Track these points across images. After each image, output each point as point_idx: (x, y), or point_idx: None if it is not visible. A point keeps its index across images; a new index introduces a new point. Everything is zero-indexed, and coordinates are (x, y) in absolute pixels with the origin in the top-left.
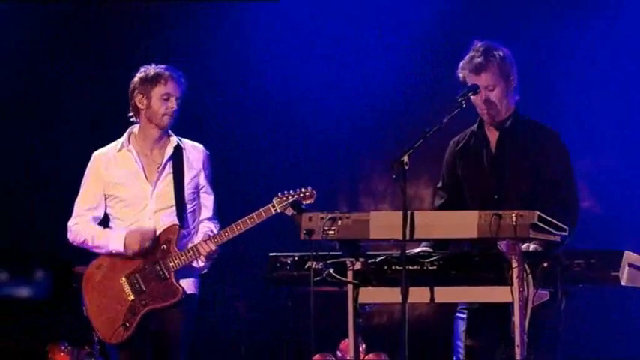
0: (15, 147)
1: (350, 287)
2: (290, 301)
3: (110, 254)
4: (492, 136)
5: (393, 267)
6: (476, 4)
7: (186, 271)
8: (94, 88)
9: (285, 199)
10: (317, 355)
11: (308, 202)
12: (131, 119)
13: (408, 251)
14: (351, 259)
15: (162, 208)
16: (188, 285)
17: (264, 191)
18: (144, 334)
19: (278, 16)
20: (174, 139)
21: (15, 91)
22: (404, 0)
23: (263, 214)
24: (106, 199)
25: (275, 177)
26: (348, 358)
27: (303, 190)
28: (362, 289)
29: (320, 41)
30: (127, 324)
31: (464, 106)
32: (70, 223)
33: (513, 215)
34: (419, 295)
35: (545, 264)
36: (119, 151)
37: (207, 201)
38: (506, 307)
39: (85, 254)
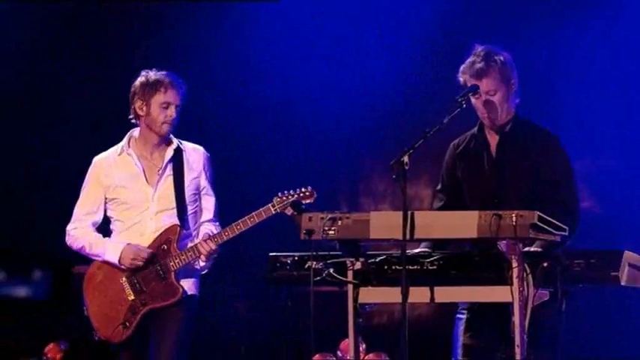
0: (15, 147)
1: (350, 287)
2: (290, 301)
3: None
4: (493, 139)
5: (393, 267)
6: (476, 4)
7: (186, 271)
8: (94, 88)
9: (285, 198)
10: (317, 355)
11: (308, 201)
12: (132, 121)
13: (408, 251)
14: (351, 259)
15: (164, 209)
16: (189, 285)
17: (264, 191)
18: (144, 333)
19: (278, 16)
20: (174, 142)
21: (15, 91)
22: (404, 0)
23: (263, 213)
24: (106, 203)
25: (275, 177)
26: (348, 358)
27: (303, 189)
28: (362, 289)
29: (320, 41)
30: (127, 323)
31: (464, 106)
32: (68, 228)
33: (513, 215)
34: (419, 295)
35: (545, 264)
36: (119, 154)
37: (209, 203)
38: (505, 307)
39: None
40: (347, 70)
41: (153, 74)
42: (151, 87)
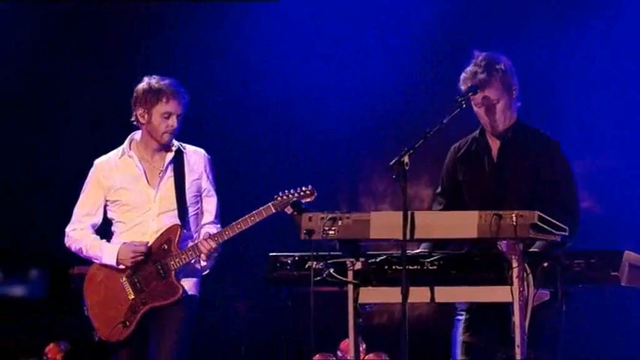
0: (15, 147)
1: (350, 287)
2: (290, 301)
3: None
4: (494, 143)
5: (394, 267)
6: (476, 4)
7: (187, 271)
8: (94, 88)
9: (285, 197)
10: (317, 355)
11: (308, 200)
12: (134, 123)
13: (408, 251)
14: (351, 259)
15: (165, 211)
16: (189, 286)
17: (264, 191)
18: (144, 333)
19: (278, 16)
20: (175, 144)
21: (15, 91)
22: (404, 0)
23: (263, 212)
24: (107, 205)
25: (275, 177)
26: (349, 358)
27: (303, 188)
28: (362, 289)
29: (320, 41)
30: (127, 323)
31: (464, 106)
32: (67, 229)
33: (513, 215)
34: (419, 295)
35: (545, 264)
36: (120, 157)
37: (210, 205)
38: (505, 307)
39: None
40: (347, 70)
41: (155, 82)
42: (153, 96)
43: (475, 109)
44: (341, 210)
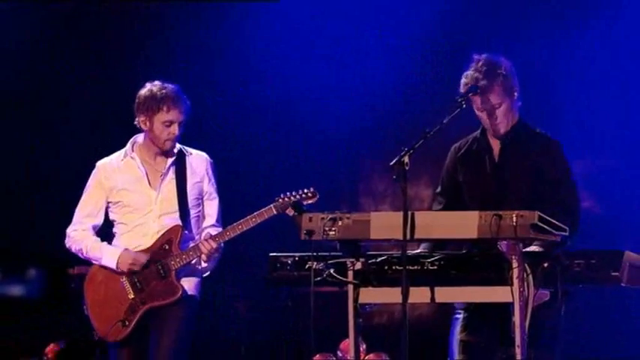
0: (15, 147)
1: (350, 287)
2: (290, 301)
3: None
4: (495, 143)
5: (394, 267)
6: (476, 4)
7: (188, 272)
8: (94, 88)
9: (287, 199)
10: (317, 356)
11: (310, 202)
12: (137, 126)
13: (408, 251)
14: (351, 260)
15: (166, 212)
16: (189, 286)
17: (264, 191)
18: (143, 332)
19: (278, 16)
20: (177, 147)
21: (15, 91)
22: (404, 0)
23: (265, 214)
24: (109, 206)
25: (275, 177)
26: (349, 358)
27: (305, 190)
28: (362, 290)
29: (320, 41)
30: (127, 322)
31: (464, 106)
32: (68, 230)
33: (514, 215)
34: (419, 295)
35: (545, 264)
36: (123, 159)
37: (212, 208)
38: (503, 306)
39: None
40: (347, 70)
41: (156, 89)
42: (154, 104)
43: (477, 112)
44: (341, 210)
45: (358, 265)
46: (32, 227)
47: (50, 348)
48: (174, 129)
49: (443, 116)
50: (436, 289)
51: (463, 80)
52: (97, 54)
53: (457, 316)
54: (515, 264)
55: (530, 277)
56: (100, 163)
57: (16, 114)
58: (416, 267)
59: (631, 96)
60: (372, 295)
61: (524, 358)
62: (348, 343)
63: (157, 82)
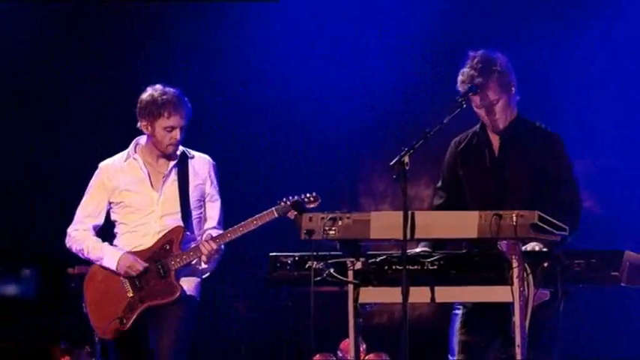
0: (15, 147)
1: (350, 287)
2: (290, 301)
3: None
4: (495, 138)
5: (394, 267)
6: (476, 4)
7: (188, 272)
8: (94, 88)
9: (288, 203)
10: (317, 355)
11: (312, 206)
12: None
13: (408, 251)
14: (351, 259)
15: (168, 213)
16: (189, 286)
17: (264, 191)
18: (143, 332)
19: (278, 16)
20: (180, 149)
21: (15, 91)
22: (404, 0)
23: (266, 216)
24: (111, 207)
25: (275, 177)
26: (349, 358)
27: (307, 194)
28: (362, 289)
29: (320, 41)
30: (124, 320)
31: (464, 106)
32: (69, 229)
33: (514, 215)
34: (419, 295)
35: (545, 264)
36: (125, 160)
37: (213, 210)
38: (503, 306)
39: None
40: (347, 70)
41: (157, 94)
42: (155, 110)
43: (476, 110)
44: (341, 210)
45: (358, 265)
46: (32, 227)
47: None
48: (176, 134)
49: (443, 116)
50: (436, 288)
51: (459, 77)
52: (97, 54)
53: (456, 312)
54: (515, 264)
55: (530, 276)
56: (102, 164)
57: (16, 114)
58: (416, 267)
59: (631, 96)
60: (372, 295)
61: (524, 358)
62: (348, 343)
63: (158, 87)
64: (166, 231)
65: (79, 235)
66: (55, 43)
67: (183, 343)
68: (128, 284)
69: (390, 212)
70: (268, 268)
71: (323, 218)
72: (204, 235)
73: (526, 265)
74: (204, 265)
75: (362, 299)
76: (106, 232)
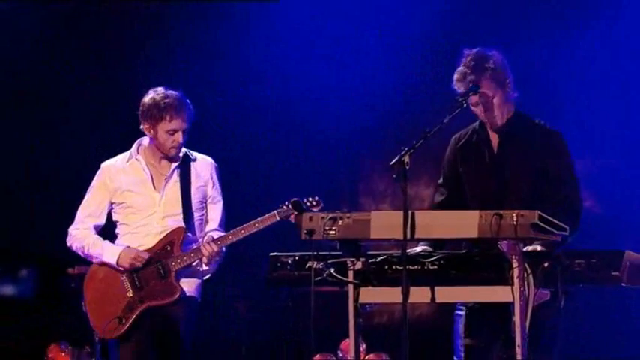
0: (15, 147)
1: (351, 287)
2: (290, 301)
3: None
4: (494, 136)
5: (394, 267)
6: (476, 4)
7: (188, 273)
8: (94, 88)
9: (290, 206)
10: (317, 355)
11: (314, 210)
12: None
13: (408, 251)
14: (351, 259)
15: (170, 214)
16: (189, 287)
17: (264, 191)
18: (143, 331)
19: (278, 16)
20: (182, 150)
21: (15, 91)
22: (404, 0)
23: (267, 220)
24: (113, 207)
25: (275, 177)
26: (349, 358)
27: (310, 199)
28: (362, 289)
29: (320, 41)
30: (124, 319)
31: (464, 105)
32: (70, 229)
33: (514, 215)
34: (420, 294)
35: (545, 264)
36: (128, 161)
37: (215, 213)
38: (504, 306)
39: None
40: (347, 70)
41: (159, 98)
42: (157, 114)
43: (472, 108)
44: (341, 210)
45: (358, 265)
46: (32, 227)
47: (51, 348)
48: (178, 137)
49: (443, 116)
50: (436, 288)
51: (454, 76)
52: (97, 54)
53: (458, 312)
54: (515, 263)
55: (531, 276)
56: (105, 165)
57: (16, 114)
58: (416, 266)
59: (631, 96)
60: (372, 295)
61: (525, 358)
62: (349, 343)
63: (160, 90)
64: (168, 232)
65: (80, 234)
66: (55, 43)
67: (184, 344)
68: (128, 284)
69: (390, 212)
70: (268, 268)
71: (323, 218)
72: (206, 237)
73: (526, 264)
74: (204, 267)
75: (362, 299)
76: (108, 233)
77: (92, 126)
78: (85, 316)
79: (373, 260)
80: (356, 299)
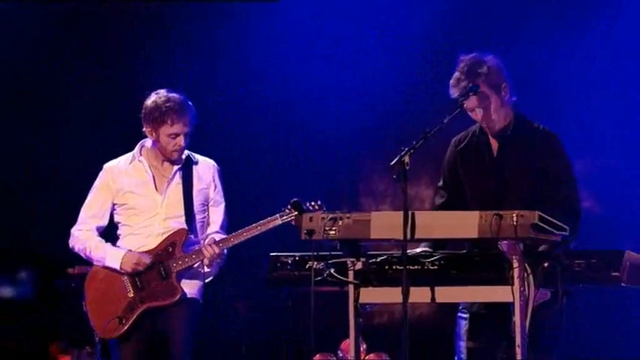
0: (15, 147)
1: (351, 287)
2: (290, 301)
3: None
4: (493, 141)
5: (394, 267)
6: (476, 4)
7: (190, 275)
8: (94, 88)
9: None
10: (317, 355)
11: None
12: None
13: (408, 251)
14: (351, 259)
15: (171, 216)
16: (191, 289)
17: (263, 191)
18: (143, 332)
19: (278, 16)
20: (185, 153)
21: (15, 91)
22: (404, 0)
23: (269, 223)
24: (115, 208)
25: (275, 177)
26: (349, 358)
27: (312, 202)
28: (363, 289)
29: (320, 41)
30: (124, 320)
31: (464, 106)
32: (73, 230)
33: (514, 215)
34: (420, 295)
35: (545, 264)
36: (131, 162)
37: (217, 215)
38: (507, 308)
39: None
40: (347, 70)
41: (161, 101)
42: (158, 117)
43: (469, 113)
44: (341, 210)
45: (359, 265)
46: (32, 227)
47: (52, 348)
48: (180, 140)
49: (443, 116)
50: (436, 288)
51: (451, 82)
52: (97, 54)
53: (462, 315)
54: (515, 264)
55: (531, 276)
56: (107, 165)
57: (16, 114)
58: (416, 267)
59: (631, 96)
60: (372, 295)
61: (525, 358)
62: (349, 343)
63: (162, 93)
64: (170, 233)
65: (82, 235)
66: (55, 43)
67: (187, 345)
68: (129, 284)
69: (390, 212)
70: (268, 268)
71: (323, 218)
72: (207, 239)
73: (526, 265)
74: (206, 269)
75: (362, 299)
76: (109, 234)
77: (92, 126)
78: (86, 316)
79: (373, 260)
80: (356, 299)
